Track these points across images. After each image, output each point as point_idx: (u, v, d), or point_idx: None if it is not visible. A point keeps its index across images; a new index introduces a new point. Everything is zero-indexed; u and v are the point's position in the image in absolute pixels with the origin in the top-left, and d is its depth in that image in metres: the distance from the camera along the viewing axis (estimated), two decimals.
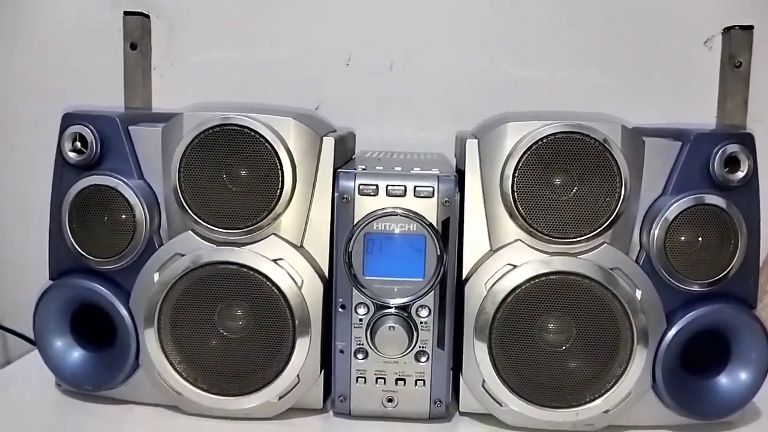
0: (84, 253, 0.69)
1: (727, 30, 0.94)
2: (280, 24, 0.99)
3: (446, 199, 0.66)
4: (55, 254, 0.71)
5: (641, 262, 0.66)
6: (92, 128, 0.69)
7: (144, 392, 0.70)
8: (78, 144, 0.69)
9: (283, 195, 0.66)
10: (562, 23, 0.97)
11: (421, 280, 0.66)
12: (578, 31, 0.97)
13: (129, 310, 0.68)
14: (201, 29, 1.00)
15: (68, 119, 0.70)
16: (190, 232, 0.67)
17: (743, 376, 0.67)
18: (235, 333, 0.68)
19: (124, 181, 0.68)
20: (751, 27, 0.93)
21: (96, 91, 1.00)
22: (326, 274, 0.69)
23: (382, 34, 0.99)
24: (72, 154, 0.69)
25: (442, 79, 0.99)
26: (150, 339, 0.67)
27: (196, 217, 0.66)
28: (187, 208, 0.66)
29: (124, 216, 0.68)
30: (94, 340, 0.72)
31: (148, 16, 0.99)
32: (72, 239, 0.69)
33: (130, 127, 0.70)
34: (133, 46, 0.99)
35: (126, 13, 0.99)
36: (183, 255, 0.67)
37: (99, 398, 0.71)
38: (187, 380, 0.68)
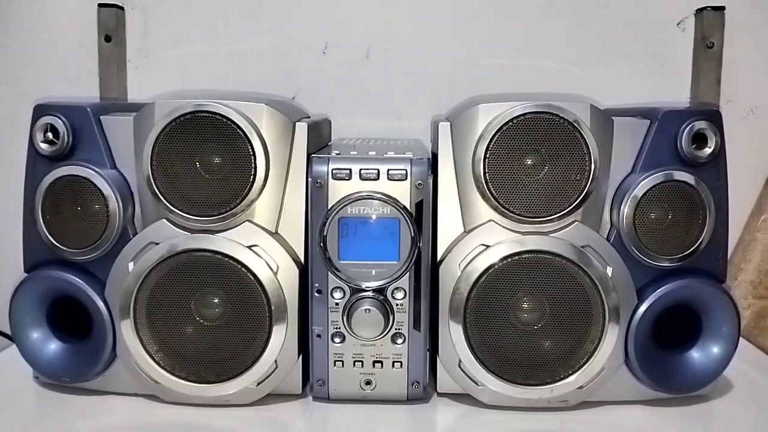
0: (58, 245, 0.69)
1: (700, 11, 0.95)
2: (255, 14, 0.99)
3: (419, 181, 0.67)
4: (29, 246, 0.71)
5: (612, 240, 0.67)
6: (63, 118, 0.68)
7: (122, 382, 0.70)
8: (50, 135, 0.69)
9: (256, 181, 0.66)
10: (537, 11, 0.98)
11: (396, 262, 0.67)
12: (553, 17, 0.98)
13: (104, 301, 0.68)
14: (176, 21, 0.99)
15: (40, 110, 0.69)
16: (164, 220, 0.67)
17: (714, 349, 0.68)
18: (211, 320, 0.68)
19: (96, 171, 0.68)
20: (723, 8, 0.94)
21: (71, 85, 1.00)
22: (302, 259, 0.69)
23: (359, 22, 0.99)
24: (44, 145, 0.69)
25: (419, 67, 0.99)
26: (126, 329, 0.67)
27: (169, 206, 0.66)
28: (160, 196, 0.66)
29: (97, 206, 0.68)
30: (71, 331, 0.72)
31: (122, 8, 0.99)
32: (45, 231, 0.68)
33: (101, 117, 0.70)
34: (108, 39, 0.98)
35: (100, 5, 0.98)
36: (157, 243, 0.67)
37: (77, 389, 0.71)
38: (165, 369, 0.68)
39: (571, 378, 0.67)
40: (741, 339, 0.69)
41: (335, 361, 0.69)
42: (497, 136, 0.65)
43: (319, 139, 0.80)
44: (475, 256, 0.66)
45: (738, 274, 0.93)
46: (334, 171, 0.67)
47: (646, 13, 0.97)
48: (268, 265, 0.67)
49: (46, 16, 0.99)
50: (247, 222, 0.67)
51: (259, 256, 0.67)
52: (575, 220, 0.66)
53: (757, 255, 0.93)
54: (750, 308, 0.93)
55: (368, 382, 0.69)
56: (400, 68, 0.99)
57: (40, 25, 1.00)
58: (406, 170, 0.67)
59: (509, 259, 0.66)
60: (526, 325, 0.67)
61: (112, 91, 0.99)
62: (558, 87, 0.98)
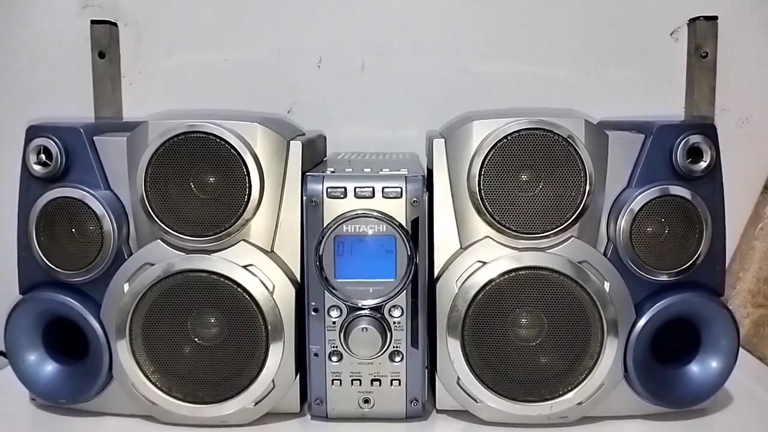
0: (53, 266, 0.68)
1: (693, 21, 0.96)
2: (250, 28, 0.99)
3: (414, 199, 0.67)
4: (24, 268, 0.71)
5: (609, 255, 0.67)
6: (57, 140, 0.68)
7: (119, 403, 0.70)
8: (43, 156, 0.69)
9: (251, 201, 0.66)
10: (531, 21, 0.98)
11: (392, 280, 0.67)
12: (547, 28, 0.98)
13: (100, 322, 0.68)
14: (170, 36, 0.99)
15: (32, 132, 0.69)
16: (159, 241, 0.67)
17: (714, 363, 0.68)
18: (208, 341, 0.68)
19: (90, 193, 0.67)
20: (716, 17, 0.94)
21: (66, 102, 0.99)
22: (298, 278, 0.69)
23: (353, 35, 0.99)
24: (37, 167, 0.69)
25: (413, 78, 0.99)
26: (122, 350, 0.67)
27: (164, 226, 0.66)
28: (154, 217, 0.66)
29: (91, 227, 0.67)
30: (67, 353, 0.71)
31: (115, 24, 0.99)
32: (40, 252, 0.68)
33: (95, 138, 0.69)
34: (102, 55, 0.98)
35: (93, 22, 0.98)
36: (153, 264, 0.66)
37: (73, 411, 0.70)
38: (162, 390, 0.68)
39: (570, 394, 0.66)
40: (740, 349, 0.69)
41: (333, 380, 0.68)
42: (492, 152, 0.65)
43: (314, 156, 0.80)
44: (472, 273, 0.66)
45: (736, 283, 0.93)
46: (329, 189, 0.67)
47: (639, 22, 0.97)
48: (264, 284, 0.66)
49: (39, 33, 0.99)
50: (242, 241, 0.67)
51: (254, 275, 0.66)
52: (572, 236, 0.66)
53: (755, 264, 0.93)
54: (749, 317, 0.92)
55: (366, 401, 0.69)
56: (395, 80, 0.99)
57: (33, 43, 0.99)
58: (401, 188, 0.67)
59: (506, 276, 0.65)
60: (524, 342, 0.67)
61: (106, 107, 0.99)
62: (553, 96, 0.98)
